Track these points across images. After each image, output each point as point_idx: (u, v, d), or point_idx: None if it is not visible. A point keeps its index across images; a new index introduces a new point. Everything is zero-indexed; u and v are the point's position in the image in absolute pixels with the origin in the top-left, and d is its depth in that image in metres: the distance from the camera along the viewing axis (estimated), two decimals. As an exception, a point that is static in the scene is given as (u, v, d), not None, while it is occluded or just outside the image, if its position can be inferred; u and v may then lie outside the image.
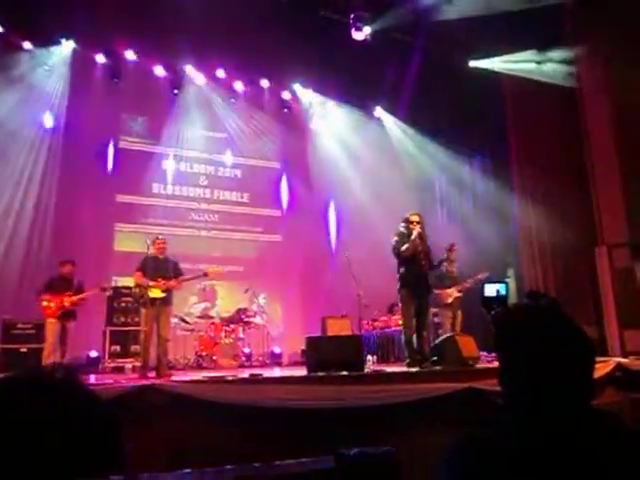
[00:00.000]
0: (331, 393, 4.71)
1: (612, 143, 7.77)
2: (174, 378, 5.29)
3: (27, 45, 8.61)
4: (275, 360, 8.84)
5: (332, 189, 10.87)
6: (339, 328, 7.71)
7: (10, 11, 7.87)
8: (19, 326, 7.17)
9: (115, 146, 9.53)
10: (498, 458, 1.00)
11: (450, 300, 7.56)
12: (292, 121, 10.92)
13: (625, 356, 6.87)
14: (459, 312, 7.68)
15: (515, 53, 8.93)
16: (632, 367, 6.14)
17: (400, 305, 6.37)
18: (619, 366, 6.11)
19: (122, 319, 7.77)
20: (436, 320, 7.95)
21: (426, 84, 9.22)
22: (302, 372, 5.47)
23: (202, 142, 10.35)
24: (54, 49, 8.87)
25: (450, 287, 7.57)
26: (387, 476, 2.96)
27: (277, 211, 10.86)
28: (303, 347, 7.17)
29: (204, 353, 8.06)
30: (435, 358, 5.97)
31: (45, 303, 6.75)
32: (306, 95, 10.85)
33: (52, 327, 6.71)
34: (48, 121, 8.74)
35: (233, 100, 10.38)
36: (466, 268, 7.78)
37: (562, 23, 8.37)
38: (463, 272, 7.72)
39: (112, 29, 8.30)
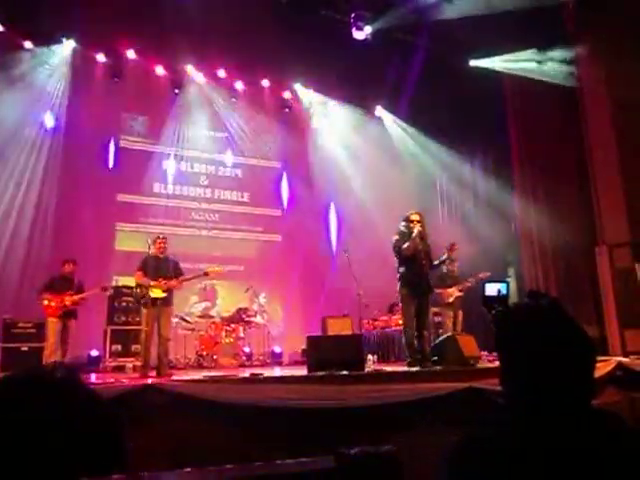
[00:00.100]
0: (331, 393, 4.70)
1: (613, 142, 7.77)
2: (175, 377, 5.30)
3: (28, 44, 8.62)
4: (275, 359, 8.85)
5: (333, 189, 10.85)
6: (339, 327, 7.73)
7: (11, 10, 7.89)
8: (20, 325, 7.18)
9: (116, 145, 9.53)
10: (499, 458, 1.00)
11: (451, 299, 7.57)
12: (293, 121, 10.91)
13: (626, 355, 6.88)
14: (460, 311, 7.69)
15: (516, 52, 8.93)
16: (633, 366, 6.13)
17: (400, 305, 6.35)
18: (620, 365, 6.10)
19: (123, 318, 7.77)
20: (437, 319, 7.95)
21: (427, 83, 9.22)
22: (302, 371, 5.46)
23: (203, 142, 10.35)
24: (55, 48, 8.86)
25: (451, 286, 7.58)
26: (388, 476, 2.95)
27: (278, 211, 10.85)
28: (303, 346, 7.17)
29: (205, 352, 8.06)
30: (436, 358, 5.96)
31: (46, 302, 6.76)
32: (307, 94, 10.84)
33: (53, 326, 6.73)
34: (49, 120, 8.75)
35: (234, 100, 10.37)
36: (467, 267, 7.78)
37: (563, 23, 8.37)
38: (464, 271, 7.72)
39: (113, 28, 8.30)
